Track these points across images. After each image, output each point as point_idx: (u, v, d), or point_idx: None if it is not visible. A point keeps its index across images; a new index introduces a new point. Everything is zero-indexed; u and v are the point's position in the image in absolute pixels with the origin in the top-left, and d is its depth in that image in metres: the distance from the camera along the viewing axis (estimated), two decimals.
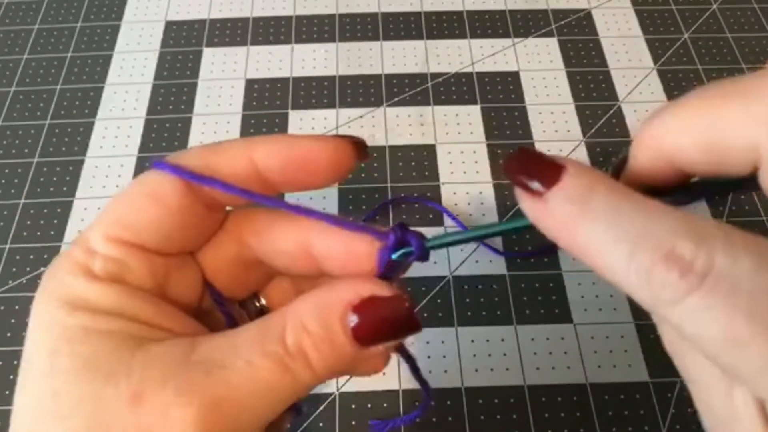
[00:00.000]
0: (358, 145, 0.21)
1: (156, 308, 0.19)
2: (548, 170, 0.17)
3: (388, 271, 0.20)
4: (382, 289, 0.19)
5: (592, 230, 0.15)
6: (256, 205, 0.21)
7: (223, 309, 0.22)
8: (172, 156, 0.20)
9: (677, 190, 0.18)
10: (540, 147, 0.48)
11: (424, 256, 0.20)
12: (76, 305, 0.18)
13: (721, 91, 0.16)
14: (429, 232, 0.44)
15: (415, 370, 0.24)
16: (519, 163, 0.17)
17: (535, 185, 0.17)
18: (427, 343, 0.40)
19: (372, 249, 0.20)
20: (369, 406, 0.38)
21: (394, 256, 0.20)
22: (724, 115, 0.16)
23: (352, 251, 0.20)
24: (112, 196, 0.20)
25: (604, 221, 0.15)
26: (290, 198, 0.44)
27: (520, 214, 0.18)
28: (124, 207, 0.19)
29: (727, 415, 0.16)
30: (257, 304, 0.24)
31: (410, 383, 0.38)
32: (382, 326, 0.19)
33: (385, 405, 0.38)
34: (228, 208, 0.22)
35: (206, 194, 0.20)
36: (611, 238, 0.15)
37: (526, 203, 0.17)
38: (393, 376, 0.38)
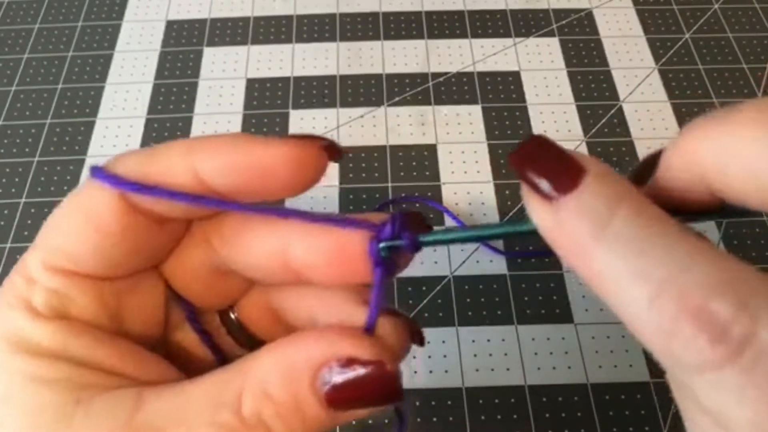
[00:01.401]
0: (326, 148, 0.17)
1: (107, 347, 0.17)
2: (565, 170, 0.14)
3: (385, 268, 0.17)
4: (363, 349, 0.16)
5: (610, 259, 0.13)
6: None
7: (196, 327, 0.20)
8: (110, 161, 0.17)
9: (707, 212, 0.15)
10: None
11: (415, 249, 0.17)
12: (19, 346, 0.16)
13: None
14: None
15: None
16: (531, 154, 0.14)
17: (546, 186, 0.14)
18: (428, 342, 0.40)
19: (364, 247, 0.17)
20: None
21: (381, 246, 0.17)
22: None
23: (339, 254, 0.17)
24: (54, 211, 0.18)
25: (626, 251, 0.13)
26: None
27: (523, 216, 0.15)
28: (60, 230, 0.17)
29: None
30: (233, 316, 0.21)
31: (411, 384, 0.38)
32: (360, 393, 0.16)
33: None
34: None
35: (151, 208, 0.17)
36: (631, 272, 0.12)
37: (533, 206, 0.14)
38: None
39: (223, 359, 0.21)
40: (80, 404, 0.15)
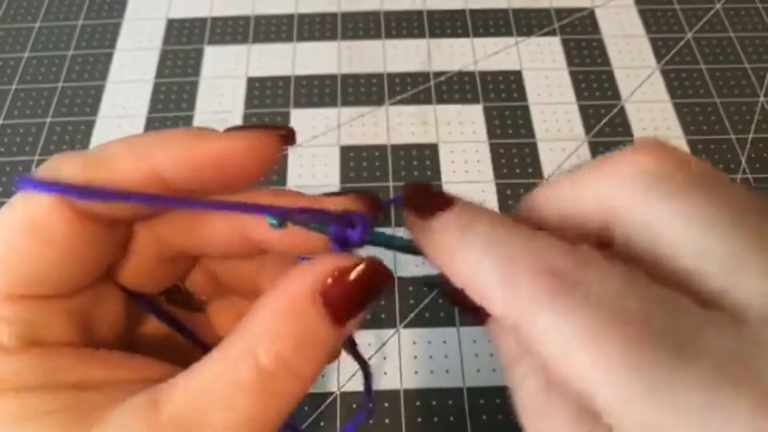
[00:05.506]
0: (281, 137, 0.18)
1: (95, 361, 0.16)
2: (438, 202, 0.17)
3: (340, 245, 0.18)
4: (347, 259, 0.17)
5: (469, 251, 0.16)
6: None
7: (164, 318, 0.20)
8: (42, 169, 0.16)
9: None
10: (542, 146, 0.48)
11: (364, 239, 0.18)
12: None
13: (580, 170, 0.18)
14: None
15: (366, 377, 0.24)
16: (415, 195, 0.18)
17: (423, 208, 0.17)
18: (429, 343, 0.39)
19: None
20: (369, 405, 0.37)
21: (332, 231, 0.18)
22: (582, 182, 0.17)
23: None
24: None
25: (480, 247, 0.16)
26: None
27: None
28: (8, 254, 0.15)
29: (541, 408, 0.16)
30: (183, 291, 0.22)
31: (412, 383, 0.38)
32: (359, 292, 0.17)
33: (386, 405, 0.37)
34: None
35: (99, 212, 0.16)
36: (485, 261, 0.16)
37: (410, 222, 0.18)
38: (394, 376, 0.38)
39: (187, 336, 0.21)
40: (94, 428, 0.14)
